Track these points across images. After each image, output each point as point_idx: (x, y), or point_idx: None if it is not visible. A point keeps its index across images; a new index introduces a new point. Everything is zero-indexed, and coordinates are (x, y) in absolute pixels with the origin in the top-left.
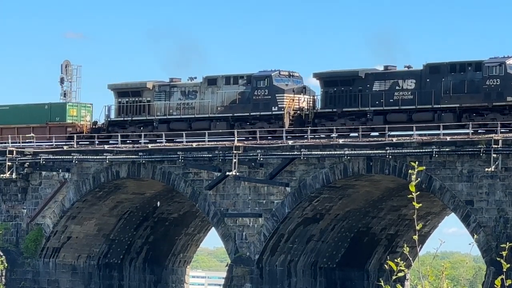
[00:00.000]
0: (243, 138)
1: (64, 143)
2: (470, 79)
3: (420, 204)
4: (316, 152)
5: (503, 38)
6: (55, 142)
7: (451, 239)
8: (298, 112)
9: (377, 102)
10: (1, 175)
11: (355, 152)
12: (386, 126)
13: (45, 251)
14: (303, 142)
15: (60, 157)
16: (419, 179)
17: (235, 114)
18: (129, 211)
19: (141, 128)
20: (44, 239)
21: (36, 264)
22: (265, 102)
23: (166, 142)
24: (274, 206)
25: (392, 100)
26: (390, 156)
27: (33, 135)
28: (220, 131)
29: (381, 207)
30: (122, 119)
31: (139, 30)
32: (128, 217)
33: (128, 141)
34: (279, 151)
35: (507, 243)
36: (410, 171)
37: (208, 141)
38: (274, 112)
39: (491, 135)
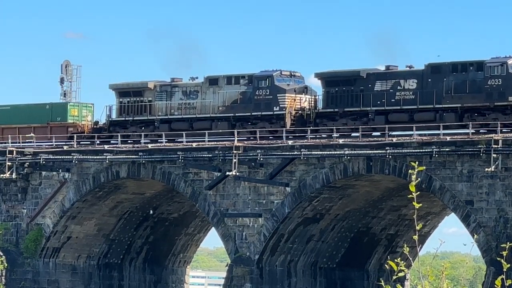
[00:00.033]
0: (245, 138)
1: (64, 143)
2: (472, 79)
3: (420, 204)
4: (316, 152)
5: (504, 38)
6: (55, 142)
7: (451, 239)
8: (300, 112)
9: (378, 102)
10: (1, 175)
11: (355, 152)
12: (386, 126)
13: (45, 251)
14: (303, 142)
15: (60, 157)
16: (419, 179)
17: (236, 114)
18: (129, 211)
19: (143, 128)
20: (44, 239)
21: (36, 264)
22: (266, 102)
23: (167, 142)
24: (274, 206)
25: (393, 100)
26: (390, 156)
27: (33, 135)
28: (221, 131)
29: (381, 207)
30: (123, 119)
31: (140, 30)
32: (128, 217)
33: (129, 141)
34: (279, 151)
35: (507, 243)
36: (410, 171)
37: (208, 141)
38: (275, 112)
39: (491, 135)
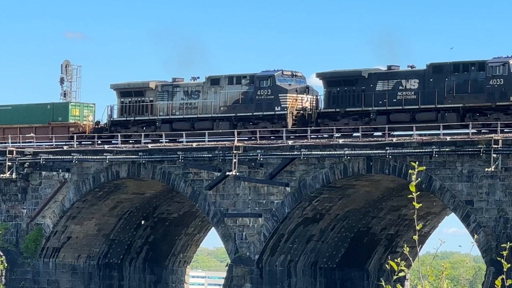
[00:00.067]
0: (246, 138)
1: (64, 143)
2: (474, 79)
3: (420, 204)
4: (316, 152)
5: (506, 37)
6: (55, 142)
7: (451, 239)
8: (301, 112)
9: (380, 102)
10: (1, 175)
11: (355, 152)
12: (386, 126)
13: (45, 251)
14: (303, 142)
15: (60, 157)
16: (419, 179)
17: (238, 114)
18: (129, 211)
19: (144, 128)
20: (44, 239)
21: (36, 264)
22: (268, 102)
23: (168, 142)
24: (274, 206)
25: (395, 100)
26: (390, 156)
27: (33, 135)
28: (221, 131)
29: (381, 207)
30: (124, 119)
31: (141, 30)
32: (128, 217)
33: (130, 141)
34: (279, 151)
35: (507, 243)
36: (410, 171)
37: (208, 141)
38: (277, 112)
39: (491, 135)
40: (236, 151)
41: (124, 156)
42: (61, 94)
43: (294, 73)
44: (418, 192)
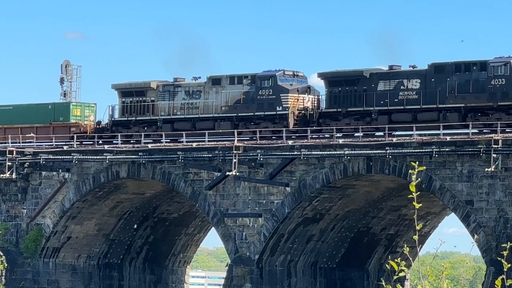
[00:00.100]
0: (247, 138)
1: (64, 143)
2: (475, 79)
3: (420, 204)
4: (316, 152)
5: (508, 37)
6: (55, 142)
7: (451, 239)
8: (303, 112)
9: (381, 102)
10: (1, 175)
11: (355, 152)
12: (386, 126)
13: (45, 251)
14: (303, 142)
15: (60, 157)
16: (419, 179)
17: (239, 114)
18: (129, 211)
19: (145, 128)
20: (44, 239)
21: (36, 264)
22: (269, 102)
23: (169, 142)
24: (274, 206)
25: (396, 100)
26: (390, 156)
27: (33, 134)
28: (222, 131)
29: (381, 207)
30: (126, 119)
31: (142, 30)
32: (128, 217)
33: (131, 141)
34: (279, 151)
35: (507, 243)
36: (410, 171)
37: (208, 141)
38: (278, 112)
39: (491, 135)
40: (236, 151)
41: (124, 156)
42: (61, 94)
43: (295, 73)
44: (418, 192)
